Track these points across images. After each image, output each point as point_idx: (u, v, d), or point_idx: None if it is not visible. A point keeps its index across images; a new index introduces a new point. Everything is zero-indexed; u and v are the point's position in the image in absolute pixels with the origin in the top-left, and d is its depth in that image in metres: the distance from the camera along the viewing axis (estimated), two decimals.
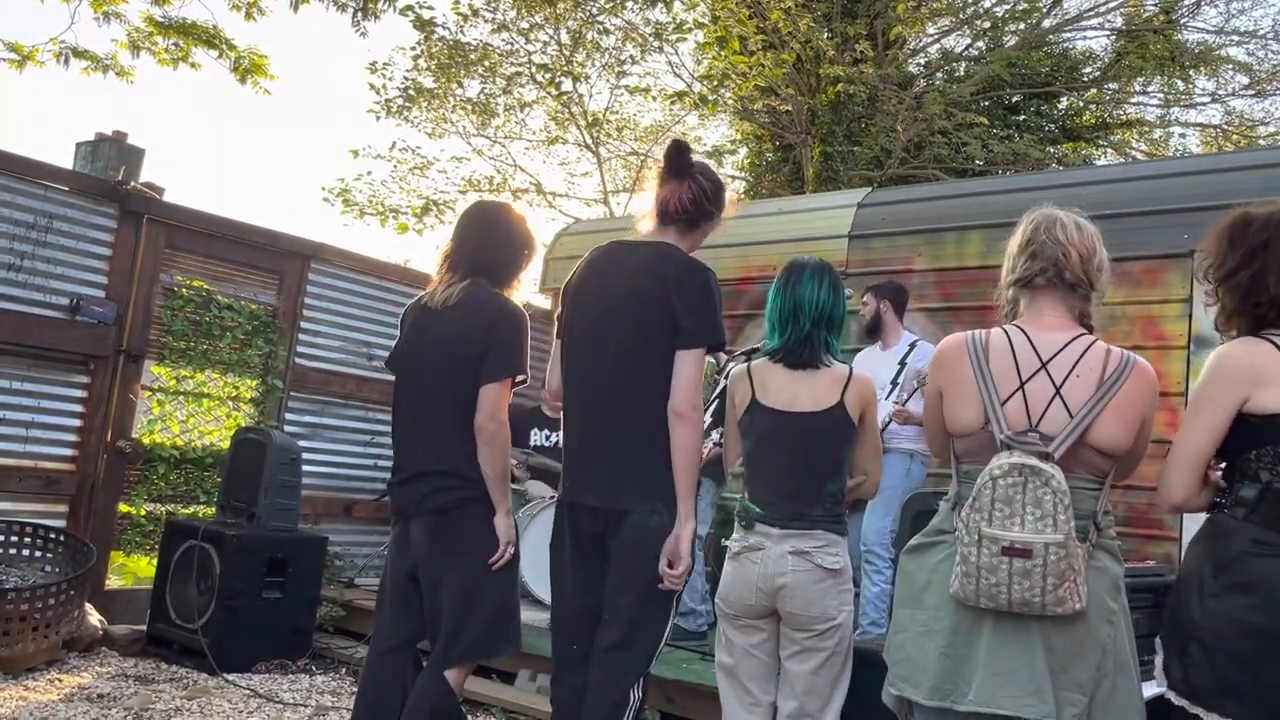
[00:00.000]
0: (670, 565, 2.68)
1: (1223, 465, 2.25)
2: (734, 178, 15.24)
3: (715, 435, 4.60)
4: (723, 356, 5.11)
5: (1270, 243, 2.22)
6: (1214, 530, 2.20)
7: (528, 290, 3.32)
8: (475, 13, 13.15)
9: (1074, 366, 2.27)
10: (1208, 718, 2.08)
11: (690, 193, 2.84)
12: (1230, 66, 15.52)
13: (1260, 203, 2.32)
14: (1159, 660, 2.23)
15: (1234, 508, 2.17)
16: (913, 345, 5.21)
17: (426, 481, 3.05)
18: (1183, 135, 16.93)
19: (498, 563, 3.03)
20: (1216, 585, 2.11)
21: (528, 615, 4.05)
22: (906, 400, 4.88)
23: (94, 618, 5.15)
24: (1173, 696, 2.15)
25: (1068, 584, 2.12)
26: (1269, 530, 2.10)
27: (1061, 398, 2.25)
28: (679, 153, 2.86)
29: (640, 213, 2.97)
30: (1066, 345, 2.30)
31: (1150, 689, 2.27)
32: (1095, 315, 2.42)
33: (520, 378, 3.07)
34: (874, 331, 5.29)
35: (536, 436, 7.05)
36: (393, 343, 3.33)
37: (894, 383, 5.05)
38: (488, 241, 3.18)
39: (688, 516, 2.69)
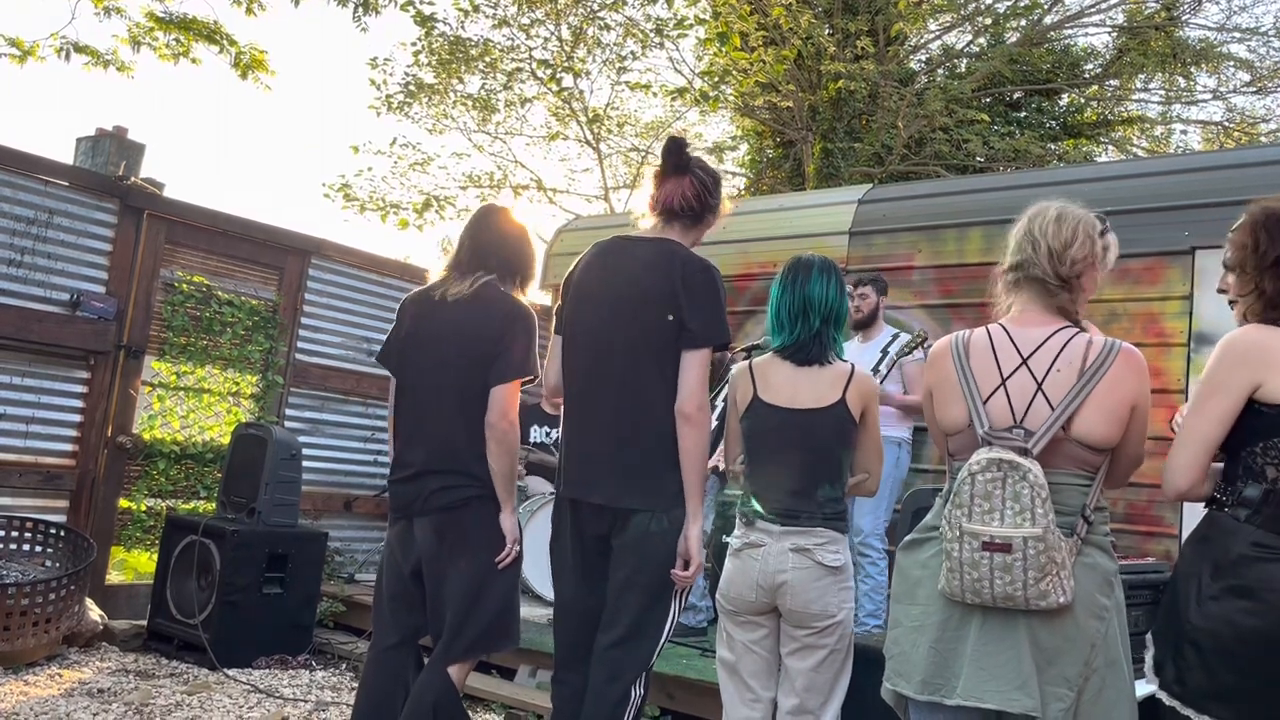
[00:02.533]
0: (683, 565, 2.69)
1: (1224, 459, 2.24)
2: (735, 174, 15.24)
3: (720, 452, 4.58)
4: (726, 355, 5.10)
5: None
6: (1213, 530, 2.18)
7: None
8: (476, 8, 13.15)
9: (1054, 360, 2.27)
10: (1198, 719, 2.08)
11: (693, 188, 2.84)
12: (1232, 63, 15.51)
13: (1274, 198, 2.32)
14: (1149, 657, 2.23)
15: (1235, 507, 2.14)
16: (895, 336, 5.25)
17: (432, 479, 3.03)
18: (1184, 132, 16.94)
19: (504, 561, 3.03)
20: (1215, 587, 2.09)
21: (528, 611, 4.06)
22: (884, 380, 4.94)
23: (94, 613, 5.16)
24: (1164, 697, 2.14)
25: (1050, 578, 2.12)
26: (1270, 533, 2.07)
27: (1044, 393, 2.25)
28: (678, 149, 2.85)
29: (640, 210, 2.96)
30: (1046, 340, 2.30)
31: (1142, 687, 2.27)
32: (1083, 308, 2.40)
33: (531, 378, 3.07)
34: (868, 325, 5.30)
35: (537, 433, 7.06)
36: None
37: (875, 370, 5.08)
38: (501, 242, 3.18)
39: (696, 515, 2.70)
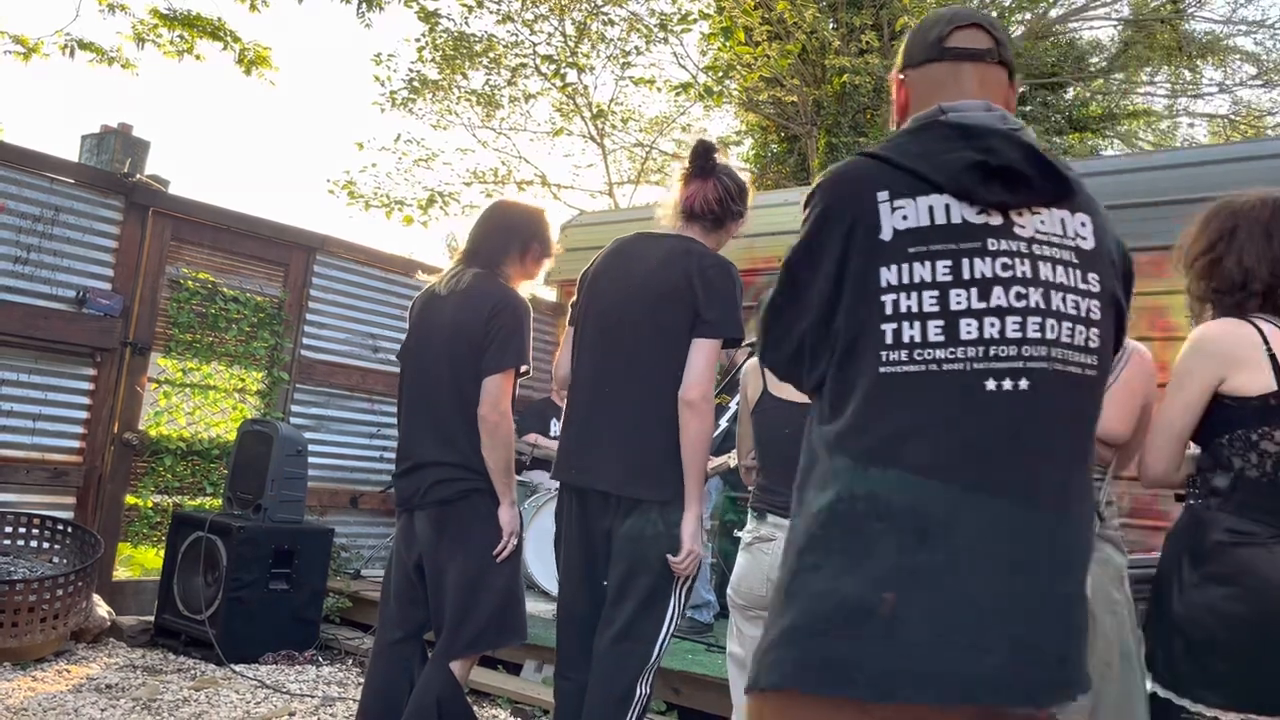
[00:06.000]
0: (677, 553, 2.69)
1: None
2: (739, 169, 15.18)
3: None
4: (735, 355, 5.08)
5: (1237, 229, 2.27)
6: (1189, 521, 2.21)
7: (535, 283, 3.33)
8: (480, 3, 13.15)
9: None
10: (1194, 708, 2.10)
11: (715, 192, 2.85)
12: (1238, 56, 15.48)
13: (1242, 192, 2.36)
14: (1141, 652, 2.24)
15: (1208, 498, 2.18)
16: None
17: (430, 472, 3.05)
18: (1190, 125, 16.92)
19: (501, 554, 3.04)
20: (1195, 576, 2.12)
21: (533, 607, 4.06)
22: None
23: (102, 609, 5.17)
24: (1158, 689, 2.17)
25: None
26: (1243, 519, 2.11)
27: None
28: (705, 153, 2.87)
29: (663, 209, 2.97)
30: None
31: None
32: None
33: (523, 368, 3.07)
34: None
35: (556, 427, 7.06)
36: (399, 335, 3.35)
37: None
38: (489, 232, 3.21)
39: (694, 504, 2.70)
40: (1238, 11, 15.57)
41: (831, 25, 12.95)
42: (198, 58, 9.17)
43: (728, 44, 12.09)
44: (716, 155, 2.88)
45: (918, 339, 1.39)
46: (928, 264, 1.41)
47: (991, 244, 1.42)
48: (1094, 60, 15.85)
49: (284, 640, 5.19)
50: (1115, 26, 15.64)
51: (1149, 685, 2.20)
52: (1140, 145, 16.27)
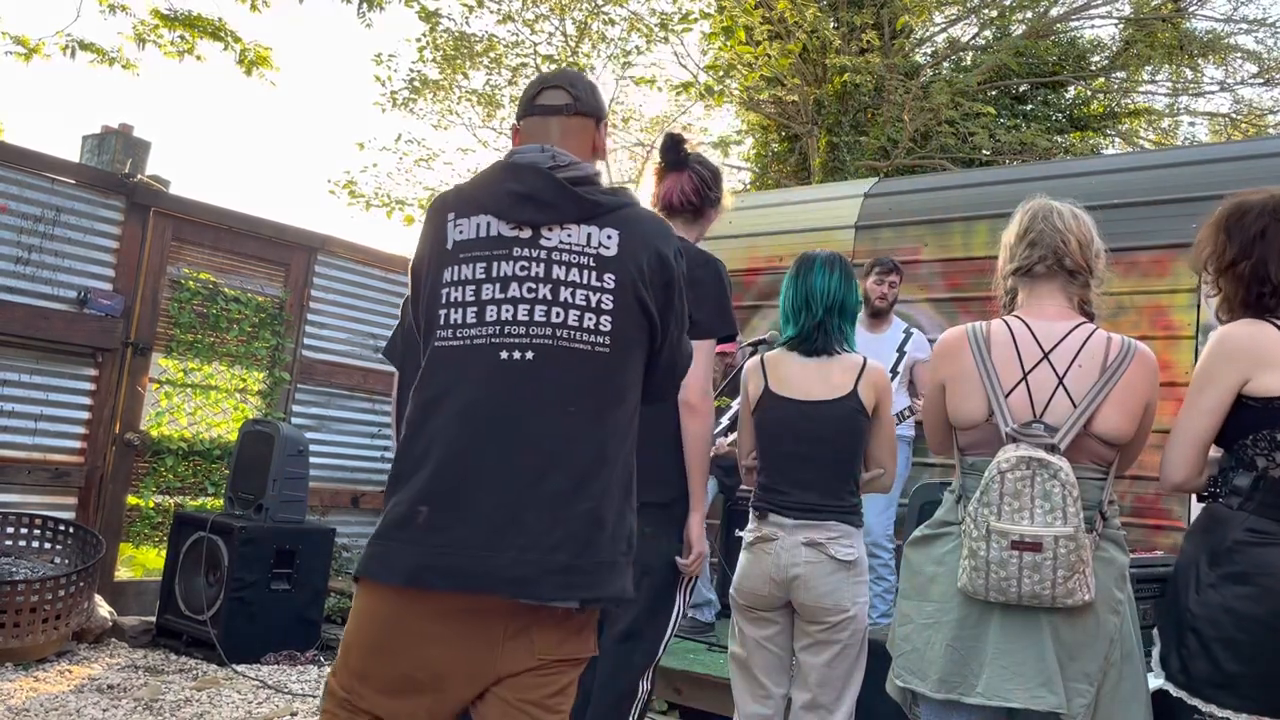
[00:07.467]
0: (684, 554, 2.69)
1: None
2: (740, 168, 15.22)
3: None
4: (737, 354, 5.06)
5: (1267, 230, 2.23)
6: (1209, 521, 2.20)
7: None
8: (480, 3, 13.14)
9: (1076, 355, 2.26)
10: (1206, 709, 2.09)
11: (692, 183, 2.85)
12: (1239, 55, 15.45)
13: (1252, 191, 2.33)
14: (1156, 651, 2.23)
15: (1229, 497, 2.17)
16: (908, 334, 5.13)
17: None
18: (1191, 124, 16.88)
19: None
20: (1213, 575, 2.11)
21: None
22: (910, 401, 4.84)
23: (103, 609, 5.18)
24: (1171, 688, 2.15)
25: (1077, 576, 2.12)
26: (1264, 519, 2.10)
27: (1065, 388, 2.24)
28: (674, 145, 2.87)
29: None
30: (1068, 334, 2.29)
31: (1150, 681, 2.27)
32: (1097, 303, 2.41)
33: None
34: (885, 314, 5.16)
35: None
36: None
37: (894, 371, 4.99)
38: None
39: (698, 505, 2.70)
40: (1239, 10, 15.58)
41: (832, 24, 12.94)
42: (198, 58, 9.17)
43: (728, 43, 12.05)
44: (686, 145, 2.88)
45: (459, 321, 1.84)
46: (470, 265, 1.86)
47: (516, 251, 1.85)
48: (1095, 59, 15.83)
49: (286, 640, 5.19)
50: (1116, 25, 15.62)
51: (1162, 684, 2.19)
52: (1141, 144, 16.25)
